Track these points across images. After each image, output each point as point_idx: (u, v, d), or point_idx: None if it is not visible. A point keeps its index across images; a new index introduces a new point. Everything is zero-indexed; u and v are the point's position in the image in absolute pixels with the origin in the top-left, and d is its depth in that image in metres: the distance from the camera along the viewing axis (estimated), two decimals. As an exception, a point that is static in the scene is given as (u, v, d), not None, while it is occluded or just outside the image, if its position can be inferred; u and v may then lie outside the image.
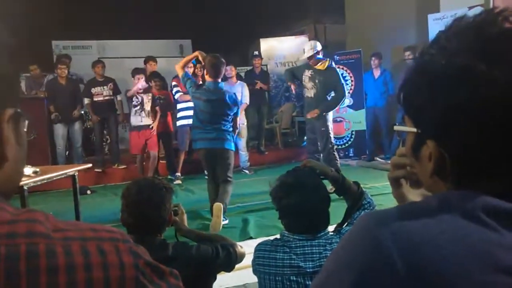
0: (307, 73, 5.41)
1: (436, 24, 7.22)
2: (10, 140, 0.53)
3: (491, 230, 0.47)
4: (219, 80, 4.16)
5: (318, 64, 5.33)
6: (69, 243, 0.48)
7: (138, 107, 6.07)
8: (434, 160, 0.54)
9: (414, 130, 0.57)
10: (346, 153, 7.73)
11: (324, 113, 5.29)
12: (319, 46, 5.42)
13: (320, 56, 5.39)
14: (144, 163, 6.25)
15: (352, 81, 7.65)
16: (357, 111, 7.65)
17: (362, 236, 0.51)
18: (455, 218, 0.49)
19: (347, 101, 7.71)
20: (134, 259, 0.50)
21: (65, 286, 0.45)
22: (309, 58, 5.34)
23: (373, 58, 7.20)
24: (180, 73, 4.26)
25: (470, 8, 6.37)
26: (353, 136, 7.70)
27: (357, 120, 7.64)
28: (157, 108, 6.19)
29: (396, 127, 0.63)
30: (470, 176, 0.53)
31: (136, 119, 6.08)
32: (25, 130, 0.57)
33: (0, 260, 0.44)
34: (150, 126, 6.14)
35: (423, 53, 0.56)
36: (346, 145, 7.76)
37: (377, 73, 7.25)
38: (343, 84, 5.39)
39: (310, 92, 5.39)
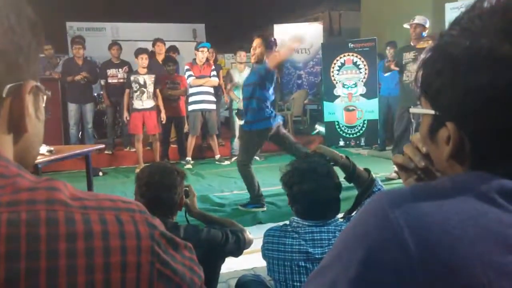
0: (410, 55, 4.97)
1: (453, 13, 7.07)
2: (31, 112, 0.54)
3: (506, 212, 0.47)
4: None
5: (421, 43, 4.83)
6: (88, 211, 0.49)
7: (138, 92, 6.07)
8: (453, 142, 0.54)
9: (432, 112, 0.56)
10: (358, 142, 7.69)
11: None
12: (427, 23, 4.93)
13: (425, 33, 4.91)
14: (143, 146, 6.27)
15: (366, 69, 7.58)
16: (370, 100, 7.58)
17: (374, 214, 0.51)
18: (469, 199, 0.48)
19: (360, 89, 7.65)
20: (150, 229, 0.51)
21: (83, 252, 0.46)
22: (414, 38, 4.91)
23: (388, 47, 7.10)
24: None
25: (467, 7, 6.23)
26: (365, 125, 7.65)
27: (370, 109, 7.58)
28: (158, 90, 6.18)
29: (412, 109, 0.63)
30: (488, 159, 0.52)
31: (138, 103, 6.09)
32: (43, 105, 0.57)
33: (21, 225, 0.45)
34: (161, 116, 6.17)
35: (443, 35, 0.56)
36: (358, 134, 7.72)
37: (392, 63, 7.15)
38: None
39: (412, 75, 4.89)
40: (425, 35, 4.95)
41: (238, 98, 6.67)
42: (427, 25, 4.94)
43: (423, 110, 0.59)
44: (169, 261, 0.52)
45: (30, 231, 0.45)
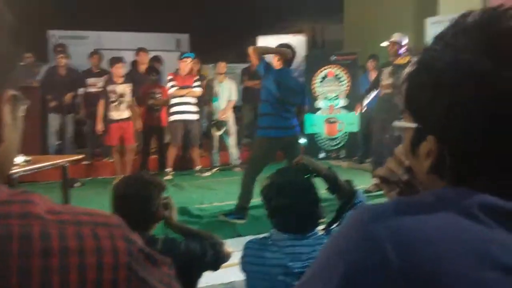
0: (387, 70, 5.19)
1: (433, 28, 7.24)
2: (7, 122, 0.52)
3: (487, 228, 0.47)
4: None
5: (399, 59, 5.07)
6: (64, 226, 0.47)
7: (116, 102, 5.98)
8: (434, 156, 0.54)
9: (415, 125, 0.57)
10: (338, 154, 7.74)
11: None
12: (404, 40, 5.16)
13: (402, 50, 5.13)
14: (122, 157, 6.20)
15: (348, 82, 7.66)
16: (351, 113, 7.65)
17: (355, 230, 0.50)
18: (451, 215, 0.48)
19: (342, 102, 7.72)
20: (128, 245, 0.50)
21: (58, 270, 0.45)
22: (392, 55, 5.14)
23: (370, 60, 7.21)
24: (257, 61, 4.15)
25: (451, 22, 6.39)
26: (345, 138, 7.71)
27: (351, 121, 7.65)
28: (134, 100, 6.11)
29: (395, 123, 0.63)
30: (468, 174, 0.52)
31: (115, 114, 5.99)
32: (22, 115, 0.56)
33: None
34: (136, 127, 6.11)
35: (427, 49, 0.56)
36: (339, 146, 7.77)
37: (373, 75, 7.25)
38: None
39: (389, 88, 5.14)
40: (403, 52, 5.14)
41: (215, 109, 6.67)
42: (404, 43, 5.14)
43: (405, 123, 0.59)
44: (147, 278, 0.50)
45: (1, 247, 0.44)
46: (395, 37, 5.15)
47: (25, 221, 0.45)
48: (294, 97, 4.18)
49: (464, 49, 0.51)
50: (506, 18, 0.51)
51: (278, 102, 4.05)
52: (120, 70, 5.95)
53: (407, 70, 0.59)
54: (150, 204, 1.72)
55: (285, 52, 4.22)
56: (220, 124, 6.59)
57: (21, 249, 0.44)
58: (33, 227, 0.45)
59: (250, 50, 4.22)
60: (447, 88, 0.52)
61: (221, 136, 6.75)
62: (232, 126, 6.82)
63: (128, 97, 6.02)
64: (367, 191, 5.09)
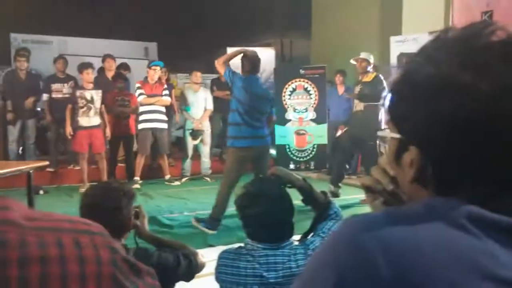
0: (357, 88, 5.43)
1: (397, 46, 7.50)
2: None
3: (475, 238, 0.47)
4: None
5: (366, 76, 5.30)
6: (43, 233, 0.44)
7: (85, 108, 5.84)
8: (416, 166, 0.55)
9: (397, 135, 0.58)
10: (307, 165, 7.83)
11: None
12: (372, 58, 5.37)
13: (370, 67, 5.34)
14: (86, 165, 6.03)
15: (316, 95, 7.79)
16: (319, 125, 7.77)
17: (346, 241, 0.50)
18: (440, 226, 0.49)
19: (311, 114, 7.85)
20: (111, 254, 0.48)
21: (37, 280, 0.42)
22: (361, 72, 5.34)
23: (338, 75, 7.39)
24: (222, 70, 4.13)
25: (430, 33, 6.68)
26: (314, 149, 7.82)
27: (319, 134, 7.77)
28: (103, 106, 5.99)
29: (379, 132, 0.64)
30: (449, 184, 0.53)
31: (84, 120, 5.85)
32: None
33: None
34: (105, 133, 5.97)
35: (409, 62, 0.57)
36: (308, 157, 7.86)
37: (341, 89, 7.43)
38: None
39: (360, 106, 5.34)
40: (370, 69, 5.37)
41: (192, 118, 6.62)
42: (372, 60, 5.39)
43: (389, 133, 0.60)
44: None
45: None
46: (363, 55, 5.39)
47: (1, 228, 0.43)
48: (263, 104, 4.13)
49: (444, 62, 0.52)
50: (486, 33, 0.52)
51: (247, 111, 3.99)
52: (90, 75, 5.84)
53: (391, 80, 0.60)
54: (120, 213, 1.67)
55: (248, 51, 4.21)
56: (196, 133, 6.54)
57: None
58: (10, 234, 0.42)
59: (215, 63, 4.21)
60: (427, 100, 0.52)
61: (196, 145, 6.70)
62: (207, 136, 6.79)
63: (97, 104, 5.89)
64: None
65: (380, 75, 5.47)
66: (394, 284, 0.45)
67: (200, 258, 1.87)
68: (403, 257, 0.46)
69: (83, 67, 5.88)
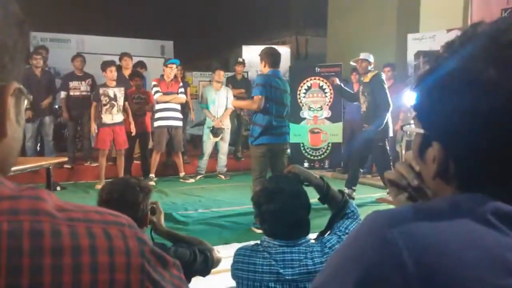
0: (360, 88, 5.40)
1: (415, 44, 7.42)
2: (11, 116, 0.50)
3: (503, 235, 0.47)
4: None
5: (367, 76, 5.26)
6: (75, 224, 0.45)
7: (108, 105, 5.91)
8: (438, 162, 0.55)
9: (422, 131, 0.58)
10: (322, 164, 7.80)
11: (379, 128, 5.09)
12: (371, 58, 5.33)
13: (371, 67, 5.31)
14: (113, 161, 6.09)
15: (331, 93, 7.75)
16: (334, 124, 7.74)
17: (371, 235, 0.50)
18: (466, 221, 0.48)
19: (325, 113, 7.81)
20: (140, 245, 0.48)
21: (70, 268, 0.43)
22: (362, 72, 5.32)
23: (354, 73, 7.32)
24: (256, 103, 4.07)
25: (448, 30, 6.59)
26: (329, 148, 7.78)
27: (334, 132, 7.73)
28: (127, 103, 6.05)
29: (405, 128, 0.64)
30: (472, 180, 0.53)
31: (108, 117, 5.92)
32: (24, 109, 0.54)
33: (2, 237, 0.41)
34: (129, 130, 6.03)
35: (437, 57, 0.57)
36: (322, 156, 7.83)
37: (357, 87, 7.37)
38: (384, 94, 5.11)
39: (363, 107, 5.33)
40: (371, 69, 5.33)
41: (213, 116, 6.65)
42: (371, 60, 5.33)
43: (413, 128, 0.60)
44: (159, 280, 0.49)
45: (12, 243, 0.41)
46: (363, 55, 5.35)
47: (35, 217, 0.44)
48: (286, 98, 4.18)
49: (470, 57, 0.51)
50: None
51: (273, 106, 4.05)
52: (113, 73, 5.90)
53: (418, 75, 0.60)
54: (137, 208, 1.68)
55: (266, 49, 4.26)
56: (217, 131, 6.57)
57: (33, 247, 0.42)
58: (44, 224, 0.43)
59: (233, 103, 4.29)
60: (451, 95, 0.52)
61: (215, 143, 6.74)
62: (227, 134, 6.81)
63: (120, 101, 5.97)
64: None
65: (382, 74, 5.44)
66: (420, 281, 0.45)
67: (216, 253, 1.87)
68: (429, 254, 0.46)
69: (106, 65, 5.95)
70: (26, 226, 0.43)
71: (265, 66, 4.18)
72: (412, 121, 0.61)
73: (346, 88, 6.12)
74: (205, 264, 1.79)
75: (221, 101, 6.70)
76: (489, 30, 0.53)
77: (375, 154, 5.26)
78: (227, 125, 6.78)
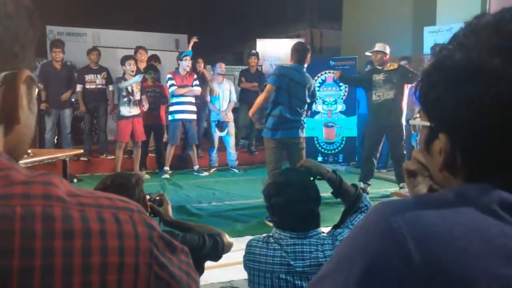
0: (380, 76, 5.32)
1: (431, 36, 7.31)
2: (24, 103, 0.51)
3: (508, 225, 0.47)
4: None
5: (388, 65, 5.31)
6: (85, 209, 0.47)
7: (126, 98, 6.00)
8: (445, 154, 0.55)
9: (427, 123, 0.58)
10: (336, 158, 7.77)
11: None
12: (387, 49, 5.39)
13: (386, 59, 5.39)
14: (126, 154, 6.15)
15: (346, 87, 7.70)
16: (349, 118, 7.69)
17: (376, 224, 0.50)
18: (471, 211, 0.48)
19: (340, 106, 7.76)
20: (148, 230, 0.50)
21: (80, 251, 0.44)
22: (378, 64, 5.35)
23: (368, 66, 7.25)
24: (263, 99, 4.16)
25: (465, 23, 6.47)
26: (343, 142, 7.74)
27: (349, 126, 7.69)
28: (144, 97, 6.13)
29: (411, 121, 0.64)
30: (478, 171, 0.53)
31: (125, 110, 6.01)
32: (35, 97, 0.55)
33: (16, 220, 0.43)
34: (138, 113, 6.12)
35: (442, 49, 0.57)
36: (336, 150, 7.80)
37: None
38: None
39: (389, 94, 5.28)
40: (387, 59, 5.34)
41: (218, 110, 6.67)
42: (387, 51, 5.32)
43: (419, 121, 0.60)
44: (167, 264, 0.50)
45: (25, 226, 0.43)
46: (378, 47, 5.35)
47: (47, 202, 0.45)
48: (303, 93, 4.16)
49: (474, 48, 0.51)
50: None
51: (289, 100, 4.06)
52: (134, 66, 6.01)
53: (423, 68, 0.59)
54: (131, 193, 1.68)
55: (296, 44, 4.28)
56: (223, 125, 6.61)
57: (45, 230, 0.43)
58: (55, 208, 0.45)
59: (251, 114, 4.34)
60: (456, 86, 0.52)
61: (222, 137, 6.77)
62: (232, 127, 6.84)
63: (137, 95, 6.04)
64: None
65: (405, 63, 5.43)
66: (426, 270, 0.45)
67: (227, 237, 1.86)
68: (434, 243, 0.46)
69: (126, 58, 6.07)
70: (38, 210, 0.44)
71: (291, 60, 4.22)
72: (418, 115, 0.61)
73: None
74: (215, 249, 1.78)
75: (225, 94, 6.73)
76: (493, 20, 0.53)
77: (393, 141, 5.27)
78: (230, 118, 6.81)
